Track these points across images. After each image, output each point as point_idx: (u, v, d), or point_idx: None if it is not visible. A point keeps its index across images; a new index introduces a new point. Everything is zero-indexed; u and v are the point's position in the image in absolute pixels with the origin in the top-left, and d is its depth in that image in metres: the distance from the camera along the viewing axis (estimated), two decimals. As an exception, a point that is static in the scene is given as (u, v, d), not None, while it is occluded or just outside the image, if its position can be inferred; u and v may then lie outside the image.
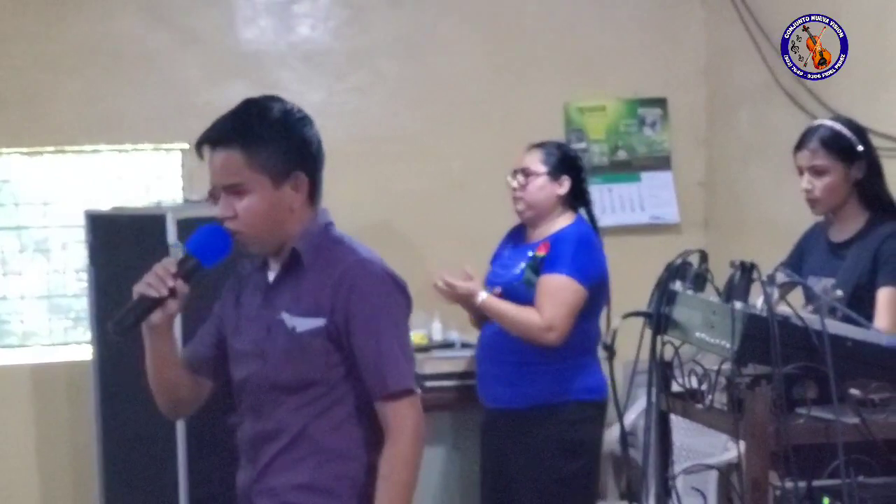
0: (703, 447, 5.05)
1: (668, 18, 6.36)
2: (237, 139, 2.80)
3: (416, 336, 5.59)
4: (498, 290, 4.49)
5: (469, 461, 4.88)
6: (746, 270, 2.84)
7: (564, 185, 4.57)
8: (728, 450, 4.98)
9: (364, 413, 2.87)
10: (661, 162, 6.37)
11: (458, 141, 6.21)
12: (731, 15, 6.02)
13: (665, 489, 3.11)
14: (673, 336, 3.09)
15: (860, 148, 3.97)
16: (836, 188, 3.95)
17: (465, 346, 5.53)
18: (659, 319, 3.09)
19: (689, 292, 3.03)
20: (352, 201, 6.12)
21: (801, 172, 4.02)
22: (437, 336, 5.72)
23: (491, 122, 6.22)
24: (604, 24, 6.32)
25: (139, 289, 2.78)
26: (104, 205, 5.65)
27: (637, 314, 3.18)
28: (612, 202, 6.20)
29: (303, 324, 2.84)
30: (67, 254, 6.07)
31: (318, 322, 2.83)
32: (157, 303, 2.78)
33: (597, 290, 4.47)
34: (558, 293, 4.37)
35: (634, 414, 5.04)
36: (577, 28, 6.30)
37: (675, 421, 3.25)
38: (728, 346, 2.79)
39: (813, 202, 4.01)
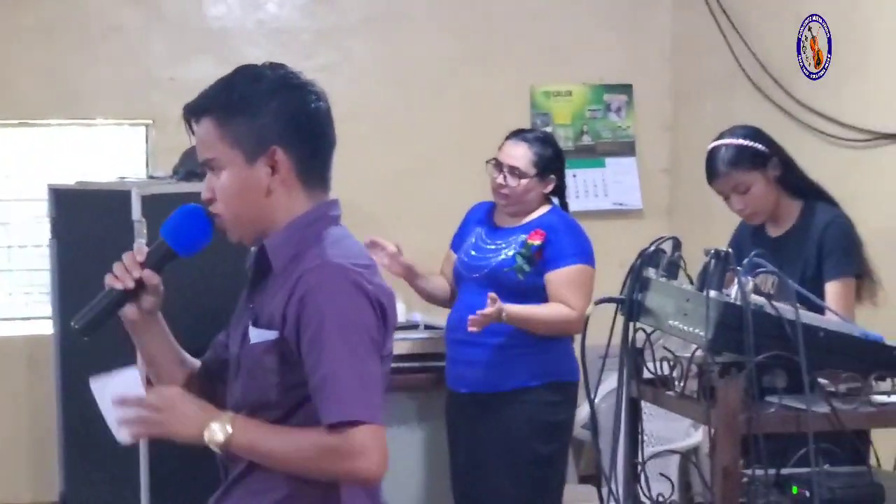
0: (665, 432, 5.09)
1: (635, 5, 6.37)
2: (211, 109, 2.47)
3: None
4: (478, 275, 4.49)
5: (433, 443, 4.86)
6: (721, 259, 2.85)
7: (550, 185, 4.63)
8: (690, 436, 5.02)
9: None
10: (625, 147, 6.40)
11: (425, 122, 6.21)
12: (697, 2, 6.03)
13: (634, 474, 3.13)
14: (645, 323, 3.11)
15: (763, 148, 3.97)
16: (766, 194, 3.96)
17: (427, 327, 5.51)
18: (632, 306, 3.11)
19: (663, 279, 3.05)
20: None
21: (725, 197, 4.02)
22: (401, 318, 5.71)
23: (458, 104, 6.22)
24: (571, 9, 6.33)
25: (107, 280, 2.50)
26: (68, 180, 5.60)
27: (610, 300, 3.19)
28: (576, 187, 6.19)
29: (258, 335, 2.46)
30: (28, 228, 6.03)
31: (271, 335, 2.43)
32: (127, 296, 2.49)
33: None
34: (581, 283, 4.48)
35: (598, 398, 5.06)
36: (544, 13, 6.31)
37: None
38: (702, 333, 2.81)
39: (751, 216, 4.04)
